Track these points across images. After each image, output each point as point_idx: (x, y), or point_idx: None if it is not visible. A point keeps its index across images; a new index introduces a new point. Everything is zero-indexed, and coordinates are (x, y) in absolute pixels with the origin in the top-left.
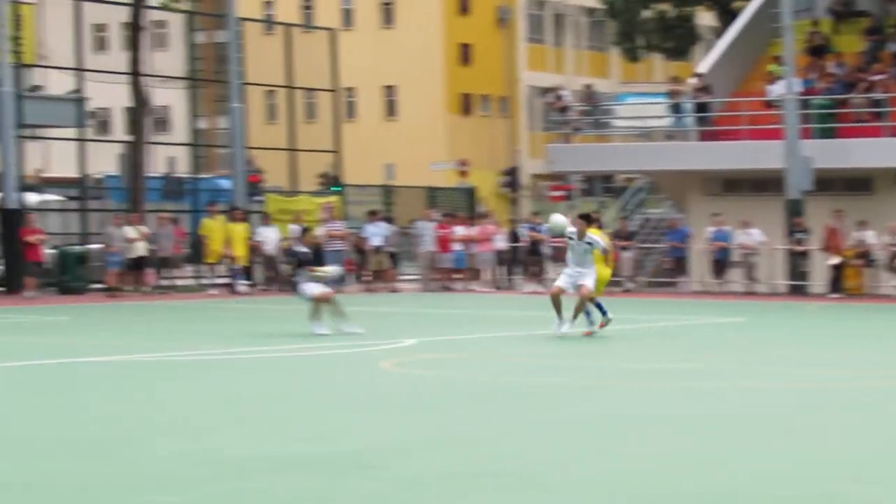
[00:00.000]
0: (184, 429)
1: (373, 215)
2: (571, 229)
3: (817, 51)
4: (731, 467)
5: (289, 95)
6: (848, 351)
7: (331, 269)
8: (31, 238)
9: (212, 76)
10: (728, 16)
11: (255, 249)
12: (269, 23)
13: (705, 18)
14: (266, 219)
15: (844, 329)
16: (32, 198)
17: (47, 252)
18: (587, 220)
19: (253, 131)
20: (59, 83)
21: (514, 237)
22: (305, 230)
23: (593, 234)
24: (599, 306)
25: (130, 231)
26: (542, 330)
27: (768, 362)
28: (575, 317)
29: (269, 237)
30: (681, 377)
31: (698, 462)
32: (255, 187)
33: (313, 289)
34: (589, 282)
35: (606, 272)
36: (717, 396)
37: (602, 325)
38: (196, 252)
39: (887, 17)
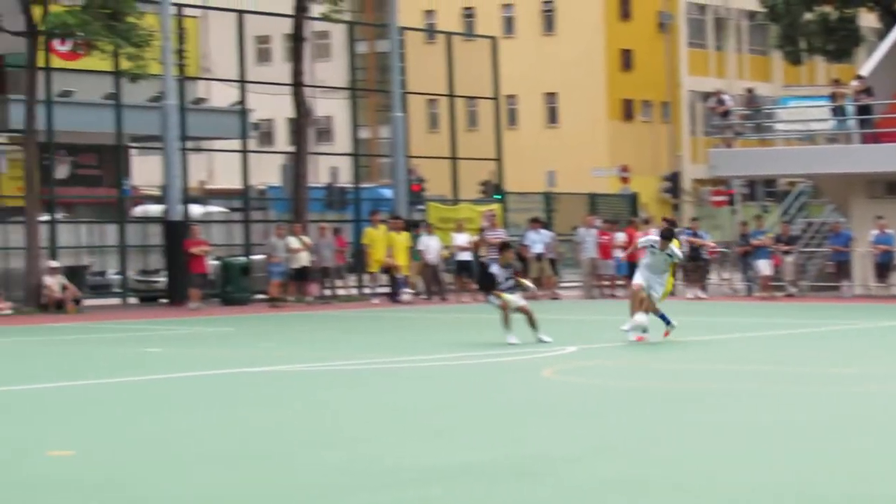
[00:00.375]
0: (345, 439)
1: (535, 223)
2: (654, 238)
3: None
4: (882, 473)
5: (450, 104)
6: None
7: (530, 283)
8: (196, 250)
9: (373, 86)
10: (890, 17)
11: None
12: (430, 32)
13: (868, 20)
14: (428, 227)
15: None
16: (196, 209)
17: (211, 263)
18: (669, 235)
19: (415, 140)
20: (222, 95)
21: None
22: (504, 246)
23: (674, 245)
24: (663, 316)
25: (293, 241)
26: (705, 336)
27: None
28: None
29: (431, 246)
30: (838, 381)
31: (846, 468)
32: (416, 196)
33: (517, 299)
34: (657, 292)
35: (671, 282)
36: (871, 400)
37: (666, 334)
38: (358, 262)
39: None
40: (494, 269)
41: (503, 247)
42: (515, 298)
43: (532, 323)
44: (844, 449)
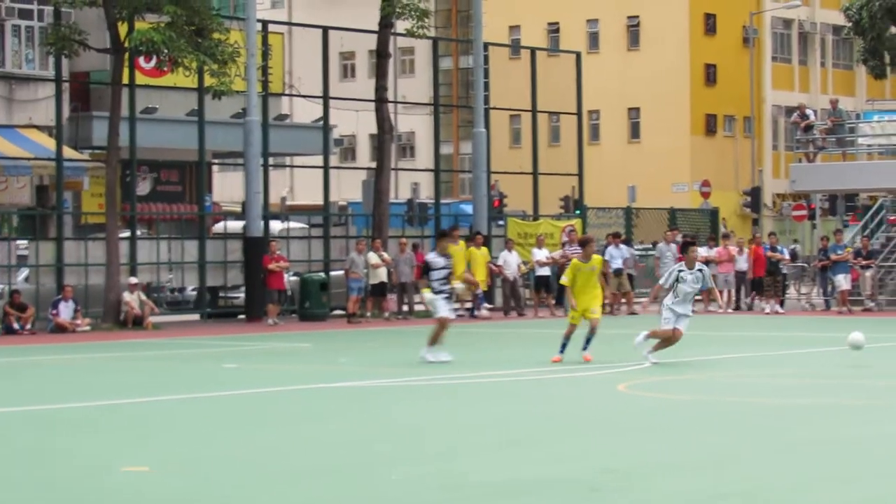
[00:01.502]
0: (424, 454)
1: (615, 238)
2: (682, 268)
3: None
4: None
5: (532, 119)
6: None
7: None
8: (274, 266)
9: (457, 101)
10: None
11: (495, 274)
12: (514, 47)
13: None
14: (508, 243)
15: None
16: (276, 225)
17: (289, 279)
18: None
19: (497, 155)
20: (306, 111)
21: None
22: (441, 235)
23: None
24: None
25: (373, 257)
26: (781, 350)
27: None
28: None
29: (510, 261)
30: None
31: None
32: (497, 212)
33: (442, 306)
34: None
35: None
36: None
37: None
38: None
39: None
40: (432, 260)
41: (441, 235)
42: (440, 304)
43: (435, 337)
44: None
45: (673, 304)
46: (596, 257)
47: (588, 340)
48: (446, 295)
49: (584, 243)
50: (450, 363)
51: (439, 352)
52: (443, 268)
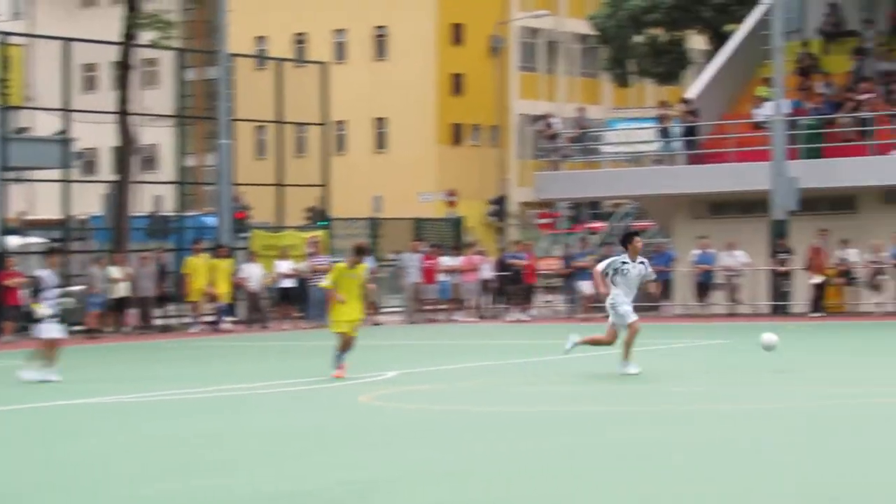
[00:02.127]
0: (167, 470)
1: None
2: (623, 259)
3: (806, 71)
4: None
5: (278, 130)
6: (825, 369)
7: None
8: (10, 282)
9: (201, 113)
10: (719, 39)
11: (238, 286)
12: (260, 58)
13: (697, 42)
14: (251, 255)
15: (823, 347)
16: (14, 241)
17: (26, 295)
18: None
19: (241, 167)
20: (46, 124)
21: (500, 266)
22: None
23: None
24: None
25: (114, 271)
26: (522, 358)
27: (745, 385)
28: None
29: (253, 274)
30: (667, 401)
31: (669, 489)
32: (241, 223)
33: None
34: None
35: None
36: (688, 420)
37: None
38: (179, 291)
39: (876, 37)
40: (43, 277)
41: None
42: (46, 326)
43: (43, 356)
44: (663, 470)
45: (621, 301)
46: (361, 266)
47: (340, 356)
48: (53, 314)
49: (360, 251)
50: (56, 383)
51: (49, 372)
52: (56, 286)
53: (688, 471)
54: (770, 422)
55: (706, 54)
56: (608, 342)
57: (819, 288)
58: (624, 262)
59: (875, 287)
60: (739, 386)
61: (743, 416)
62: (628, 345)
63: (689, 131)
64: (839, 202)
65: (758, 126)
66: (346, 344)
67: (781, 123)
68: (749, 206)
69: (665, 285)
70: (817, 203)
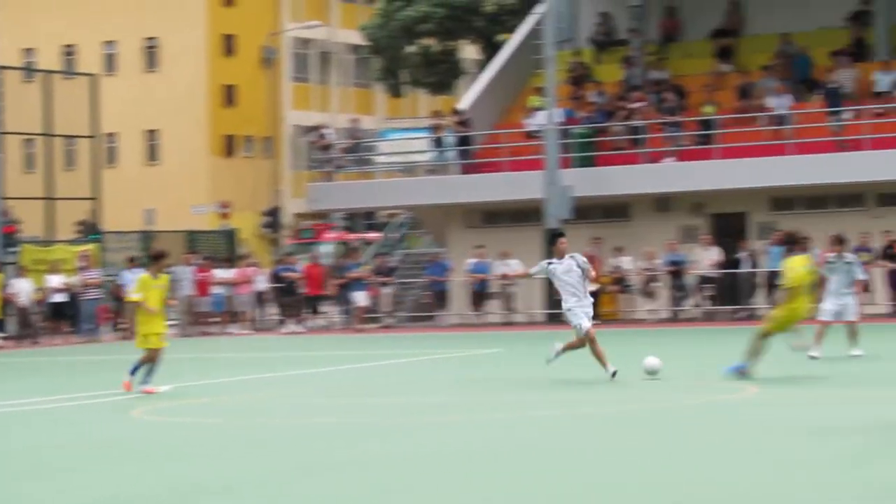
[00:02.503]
0: None
1: (132, 262)
2: (551, 260)
3: (578, 81)
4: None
5: (47, 143)
6: (596, 376)
7: None
8: None
9: None
10: (492, 49)
11: (8, 302)
12: (28, 70)
13: (470, 52)
14: (20, 270)
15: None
16: None
17: None
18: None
19: (10, 181)
20: None
21: (275, 278)
22: None
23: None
24: None
25: None
26: (300, 370)
27: (517, 392)
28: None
29: (23, 289)
30: (427, 412)
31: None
32: (10, 238)
33: None
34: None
35: None
36: (456, 430)
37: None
38: None
39: (646, 46)
40: None
41: None
42: None
43: None
44: (416, 482)
45: (573, 305)
46: (164, 276)
47: (137, 368)
48: None
49: (157, 256)
50: None
51: None
52: None
53: (423, 481)
54: (527, 430)
55: (479, 64)
56: (579, 346)
57: (594, 295)
58: (550, 263)
59: (648, 294)
60: (502, 395)
61: (499, 425)
62: (597, 355)
63: (463, 141)
64: (612, 210)
65: (531, 135)
66: (151, 357)
67: (554, 132)
68: (523, 214)
69: (440, 295)
70: (591, 211)
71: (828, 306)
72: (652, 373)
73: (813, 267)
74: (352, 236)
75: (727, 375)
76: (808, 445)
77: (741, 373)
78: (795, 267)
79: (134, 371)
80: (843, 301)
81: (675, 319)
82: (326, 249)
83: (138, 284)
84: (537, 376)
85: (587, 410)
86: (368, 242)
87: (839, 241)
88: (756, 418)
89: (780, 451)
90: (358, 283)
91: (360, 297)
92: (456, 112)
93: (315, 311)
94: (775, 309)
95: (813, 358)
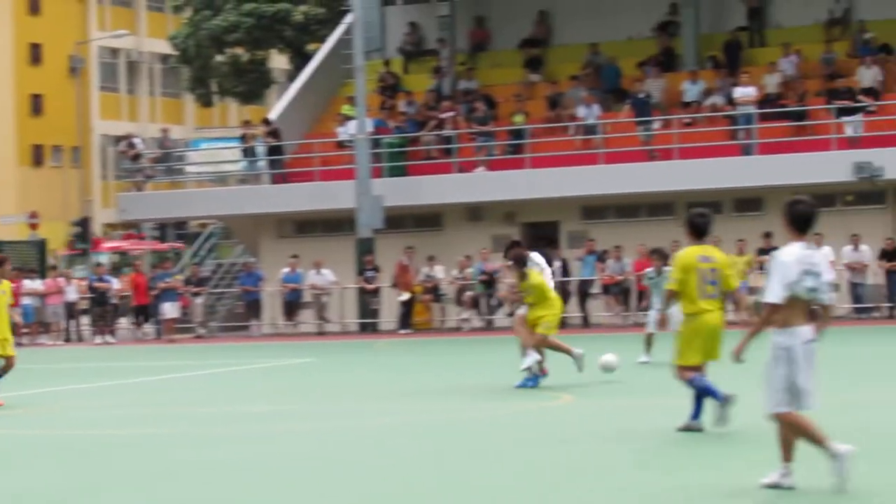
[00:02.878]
0: None
1: None
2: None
3: (389, 90)
4: None
5: None
6: (409, 385)
7: None
8: None
9: None
10: (302, 59)
11: None
12: None
13: (279, 62)
14: None
15: (410, 364)
16: None
17: None
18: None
19: None
20: None
21: (89, 289)
22: None
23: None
24: None
25: None
26: (114, 381)
27: (325, 403)
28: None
29: None
30: (238, 421)
31: None
32: None
33: None
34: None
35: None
36: (264, 440)
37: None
38: None
39: (455, 55)
40: None
41: None
42: None
43: None
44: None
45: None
46: (6, 283)
47: None
48: None
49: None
50: None
51: None
52: None
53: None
54: (318, 441)
55: (289, 74)
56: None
57: (407, 305)
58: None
59: (462, 303)
60: (313, 405)
61: (310, 435)
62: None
63: (273, 150)
64: (425, 220)
65: (342, 145)
66: (4, 367)
67: (365, 142)
68: (335, 224)
69: (253, 305)
70: (403, 220)
71: (651, 317)
72: (608, 370)
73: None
74: (142, 246)
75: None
76: (601, 450)
77: (530, 370)
78: (536, 276)
79: None
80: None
81: (488, 328)
82: (103, 259)
83: None
84: (351, 385)
85: (390, 420)
86: (178, 252)
87: (661, 256)
88: (560, 425)
89: (569, 459)
90: (169, 294)
91: (170, 309)
92: (266, 122)
93: (146, 320)
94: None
95: (644, 363)
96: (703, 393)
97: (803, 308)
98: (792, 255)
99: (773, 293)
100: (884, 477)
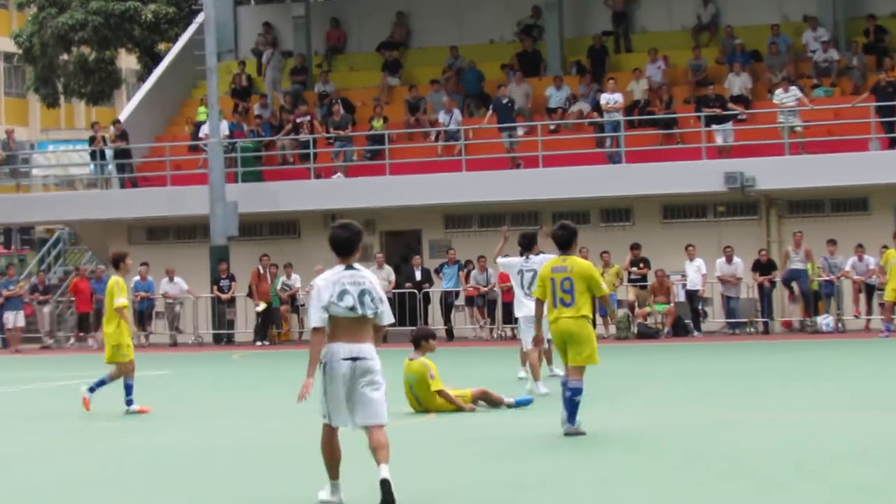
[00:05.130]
0: None
1: None
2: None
3: (242, 92)
4: None
5: None
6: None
7: None
8: None
9: None
10: (152, 59)
11: None
12: None
13: (129, 62)
14: None
15: (267, 377)
16: None
17: None
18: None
19: None
20: None
21: None
22: None
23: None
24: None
25: None
26: None
27: (170, 418)
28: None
29: None
30: (84, 436)
31: None
32: None
33: None
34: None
35: None
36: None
37: None
38: None
39: (314, 57)
40: None
41: None
42: None
43: None
44: None
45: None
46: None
47: None
48: None
49: None
50: None
51: None
52: None
53: None
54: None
55: (139, 74)
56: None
57: (263, 315)
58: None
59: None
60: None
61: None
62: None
63: (123, 154)
64: (281, 227)
65: (194, 148)
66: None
67: (218, 146)
68: (188, 231)
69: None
70: (259, 228)
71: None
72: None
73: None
74: None
75: None
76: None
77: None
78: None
79: None
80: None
81: None
82: None
83: None
84: (203, 400)
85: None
86: (22, 258)
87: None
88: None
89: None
90: (13, 302)
91: (14, 318)
92: (116, 123)
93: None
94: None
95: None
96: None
97: (347, 327)
98: (326, 279)
99: (313, 319)
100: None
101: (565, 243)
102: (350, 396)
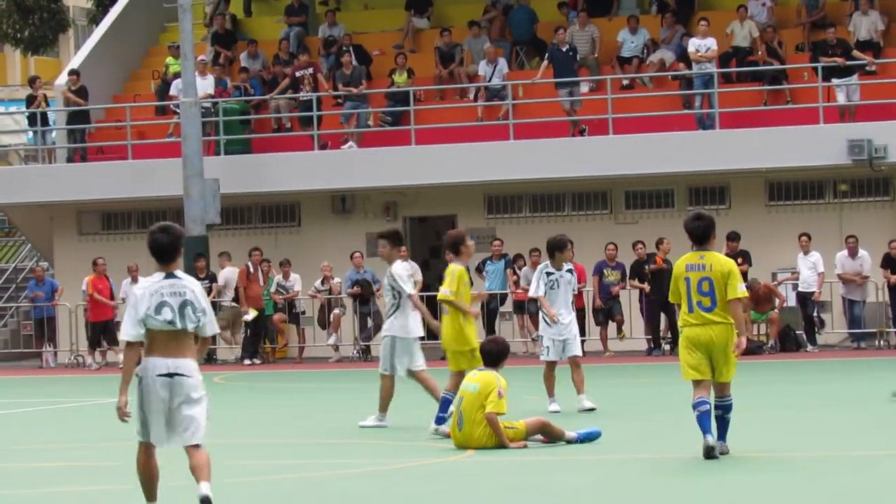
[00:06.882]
0: None
1: None
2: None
3: (225, 39)
4: None
5: None
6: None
7: None
8: None
9: None
10: None
11: None
12: None
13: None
14: None
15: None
16: None
17: None
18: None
19: None
20: None
21: None
22: None
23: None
24: None
25: None
26: None
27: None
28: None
29: None
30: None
31: None
32: None
33: None
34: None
35: None
36: None
37: None
38: None
39: None
40: None
41: None
42: None
43: None
44: None
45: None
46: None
47: None
48: None
49: None
50: None
51: None
52: None
53: None
54: None
55: (90, 14)
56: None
57: (253, 325)
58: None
59: (327, 325)
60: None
61: None
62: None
63: (72, 118)
64: (276, 212)
65: (162, 111)
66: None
67: (194, 107)
68: (155, 217)
69: (46, 325)
70: (247, 213)
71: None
72: None
73: None
74: None
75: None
76: None
77: None
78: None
79: None
80: None
81: (365, 359)
82: None
83: None
84: None
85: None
86: None
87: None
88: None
89: None
90: None
91: None
92: (72, 75)
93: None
94: None
95: None
96: None
97: (165, 341)
98: (144, 288)
99: (126, 333)
100: None
101: (702, 236)
102: (167, 414)
